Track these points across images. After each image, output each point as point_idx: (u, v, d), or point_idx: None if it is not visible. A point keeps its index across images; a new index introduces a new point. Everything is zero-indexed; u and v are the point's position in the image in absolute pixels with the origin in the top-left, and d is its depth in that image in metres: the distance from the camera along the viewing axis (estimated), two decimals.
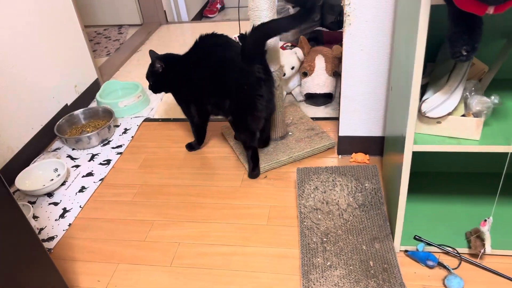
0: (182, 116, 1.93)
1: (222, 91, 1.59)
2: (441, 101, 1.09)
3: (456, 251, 1.30)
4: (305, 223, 1.45)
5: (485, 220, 1.23)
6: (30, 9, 2.02)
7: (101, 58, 3.00)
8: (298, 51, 2.12)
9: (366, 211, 1.45)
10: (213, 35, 1.62)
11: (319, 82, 2.10)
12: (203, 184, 1.74)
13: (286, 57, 2.12)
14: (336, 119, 2.05)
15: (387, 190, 1.51)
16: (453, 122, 1.12)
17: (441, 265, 1.29)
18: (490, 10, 0.82)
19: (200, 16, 3.89)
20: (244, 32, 1.54)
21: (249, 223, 1.54)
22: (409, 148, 1.13)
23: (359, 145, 1.76)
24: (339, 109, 2.09)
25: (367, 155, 1.76)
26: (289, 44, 2.41)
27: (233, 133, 1.95)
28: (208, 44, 1.62)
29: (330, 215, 1.45)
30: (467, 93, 1.13)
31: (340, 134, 1.76)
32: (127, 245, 1.51)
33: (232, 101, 1.57)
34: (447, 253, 1.32)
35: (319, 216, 1.46)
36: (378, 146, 1.74)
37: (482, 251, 1.26)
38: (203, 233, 1.52)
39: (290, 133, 1.91)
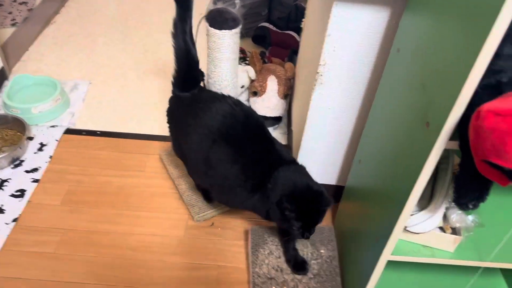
0: (111, 128, 1.67)
1: None
2: (425, 218, 1.02)
3: None
4: None
5: None
6: None
7: (5, 28, 2.46)
8: (250, 70, 1.91)
9: (321, 283, 1.39)
10: None
11: (269, 105, 1.94)
12: (142, 232, 1.54)
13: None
14: (287, 146, 1.93)
15: (343, 255, 1.46)
16: (432, 235, 1.06)
17: None
18: None
19: None
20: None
21: None
22: (386, 257, 1.07)
23: None
24: (288, 134, 1.97)
25: None
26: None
27: (174, 161, 1.74)
28: None
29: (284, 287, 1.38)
30: (447, 204, 1.07)
31: None
32: None
33: None
34: None
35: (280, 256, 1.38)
36: (333, 192, 1.67)
37: None
38: None
39: None
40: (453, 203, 1.07)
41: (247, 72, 1.91)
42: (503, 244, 1.04)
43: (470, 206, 0.83)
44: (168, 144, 1.87)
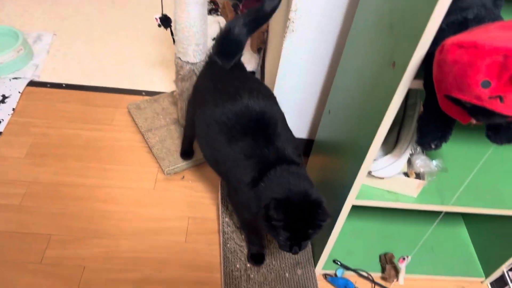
0: (77, 81, 1.61)
1: None
2: (390, 163, 1.03)
3: (371, 277, 1.37)
4: (228, 245, 1.37)
5: (404, 259, 1.28)
6: None
7: None
8: (221, 21, 1.85)
9: None
10: None
11: (242, 59, 1.89)
12: (110, 185, 1.52)
13: (208, 26, 1.83)
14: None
15: None
16: (396, 180, 1.08)
17: None
18: (473, 121, 0.74)
19: None
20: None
21: (165, 239, 1.40)
22: (351, 201, 1.08)
23: None
24: None
25: None
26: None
27: (143, 115, 1.70)
28: None
29: None
30: (412, 149, 1.08)
31: None
32: (21, 270, 1.28)
33: None
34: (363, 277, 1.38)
35: (243, 236, 1.39)
36: (303, 148, 1.68)
37: (395, 280, 1.34)
38: (112, 253, 1.35)
39: None
40: (418, 149, 1.09)
41: (218, 23, 1.85)
42: (464, 188, 1.07)
43: (432, 146, 0.84)
44: (137, 98, 1.82)
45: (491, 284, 1.41)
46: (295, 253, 1.06)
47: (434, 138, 0.83)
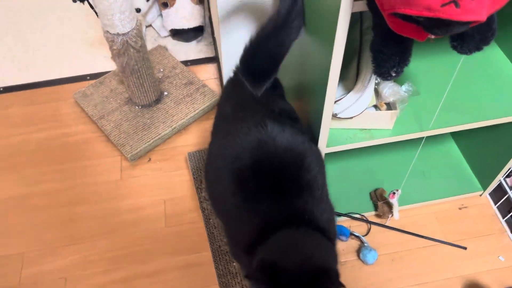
0: (13, 81, 1.51)
1: None
2: (354, 100, 0.92)
3: (365, 218, 1.29)
4: (210, 220, 1.28)
5: (394, 193, 1.20)
6: None
7: None
8: None
9: None
10: None
11: (184, 14, 1.71)
12: (73, 185, 1.41)
13: None
14: (213, 59, 1.75)
15: None
16: (366, 116, 0.96)
17: (353, 235, 1.28)
18: (432, 36, 0.61)
19: None
20: None
21: (144, 229, 1.31)
22: (322, 150, 0.98)
23: None
24: (213, 44, 1.79)
25: None
26: None
27: (92, 102, 1.56)
28: None
29: None
30: (376, 79, 0.96)
31: None
32: None
33: None
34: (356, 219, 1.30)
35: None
36: None
37: (390, 216, 1.26)
38: (91, 256, 1.26)
39: (165, 93, 1.58)
40: None
41: None
42: (441, 108, 0.96)
43: (393, 74, 0.72)
44: (83, 84, 1.66)
45: (490, 195, 1.35)
46: None
47: (393, 65, 0.71)
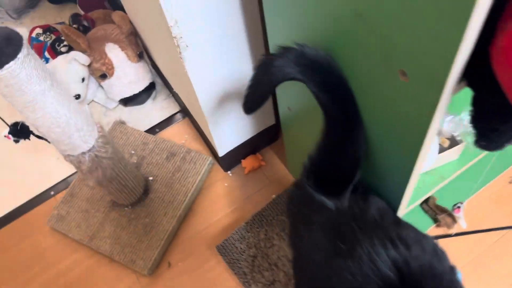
0: None
1: None
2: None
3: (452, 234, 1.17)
4: None
5: (459, 207, 1.08)
6: None
7: None
8: (77, 55, 1.36)
9: None
10: None
11: (130, 79, 1.45)
12: None
13: (66, 72, 1.35)
14: (181, 112, 1.52)
15: None
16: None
17: None
18: None
19: None
20: None
21: None
22: (402, 212, 0.82)
23: (245, 150, 1.35)
24: (174, 96, 1.55)
25: (258, 154, 1.38)
26: (41, 36, 1.55)
27: (72, 222, 1.30)
28: None
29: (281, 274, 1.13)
30: None
31: (220, 155, 1.29)
32: None
33: None
34: None
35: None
36: (264, 137, 1.36)
37: (455, 226, 1.15)
38: None
39: (150, 178, 1.34)
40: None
41: (75, 61, 1.36)
42: None
43: (506, 146, 0.56)
44: (50, 203, 1.38)
45: None
46: None
47: (509, 138, 0.55)
